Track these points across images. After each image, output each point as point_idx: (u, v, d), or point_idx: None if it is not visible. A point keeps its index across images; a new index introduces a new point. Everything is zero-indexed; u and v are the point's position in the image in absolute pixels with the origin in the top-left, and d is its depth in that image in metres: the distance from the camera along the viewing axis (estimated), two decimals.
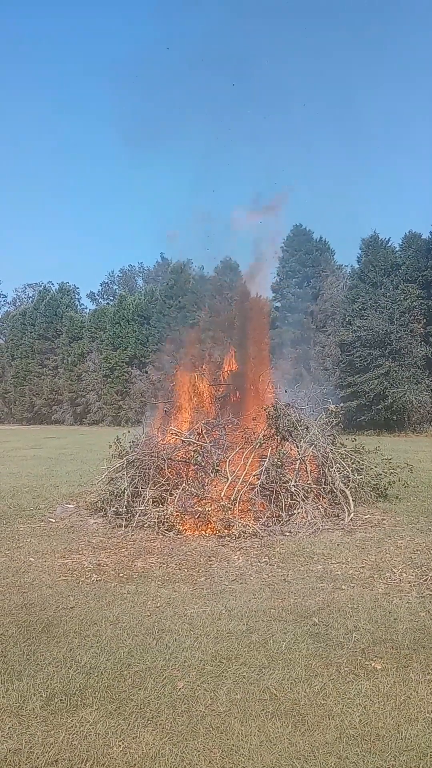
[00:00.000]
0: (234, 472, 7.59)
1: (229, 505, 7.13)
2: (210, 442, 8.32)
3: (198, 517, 7.19)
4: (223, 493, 7.22)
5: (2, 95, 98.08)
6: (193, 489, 7.42)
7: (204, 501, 7.25)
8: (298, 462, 8.03)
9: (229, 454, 8.04)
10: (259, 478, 7.64)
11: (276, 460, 7.71)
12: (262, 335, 10.40)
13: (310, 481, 7.98)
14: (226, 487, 7.28)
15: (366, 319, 29.13)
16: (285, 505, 7.50)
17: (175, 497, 7.44)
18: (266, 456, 7.96)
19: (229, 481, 7.37)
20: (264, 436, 8.18)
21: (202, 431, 8.52)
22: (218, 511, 7.10)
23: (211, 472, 7.69)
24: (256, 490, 7.53)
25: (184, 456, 8.21)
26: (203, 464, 7.82)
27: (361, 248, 33.00)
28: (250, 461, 7.77)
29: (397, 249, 32.15)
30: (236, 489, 7.38)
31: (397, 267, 30.92)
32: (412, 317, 29.07)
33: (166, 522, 7.14)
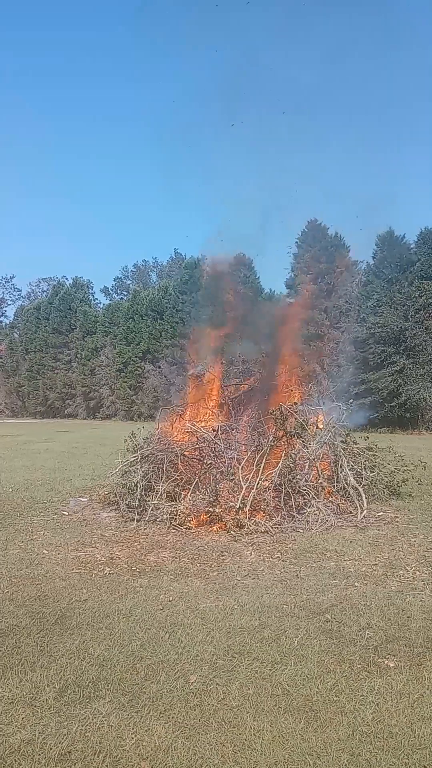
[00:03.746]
0: (248, 479, 7.52)
1: (240, 506, 7.11)
2: (224, 443, 8.29)
3: (210, 516, 7.18)
4: (239, 500, 7.17)
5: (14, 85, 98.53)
6: (205, 496, 7.36)
7: (215, 503, 7.22)
8: (308, 462, 8.00)
9: (241, 456, 8.00)
10: (270, 482, 7.59)
11: (287, 462, 7.64)
12: (293, 340, 10.31)
13: (321, 480, 7.95)
14: (242, 495, 7.24)
15: (380, 315, 28.94)
16: (296, 505, 7.47)
17: (187, 497, 7.46)
18: (278, 456, 7.91)
19: (243, 489, 7.33)
20: (274, 437, 8.12)
21: (217, 431, 8.50)
22: (230, 512, 7.08)
23: (226, 473, 7.66)
24: (268, 492, 7.49)
25: (197, 453, 8.22)
26: (216, 465, 7.80)
27: (377, 244, 32.76)
28: (263, 465, 7.70)
29: (412, 245, 31.87)
30: (247, 492, 7.33)
31: (413, 263, 30.62)
32: (427, 314, 28.81)
33: (177, 518, 7.15)
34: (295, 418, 8.29)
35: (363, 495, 7.84)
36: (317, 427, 8.62)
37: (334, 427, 8.81)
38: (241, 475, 7.57)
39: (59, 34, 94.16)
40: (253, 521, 7.04)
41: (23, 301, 67.12)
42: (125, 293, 63.97)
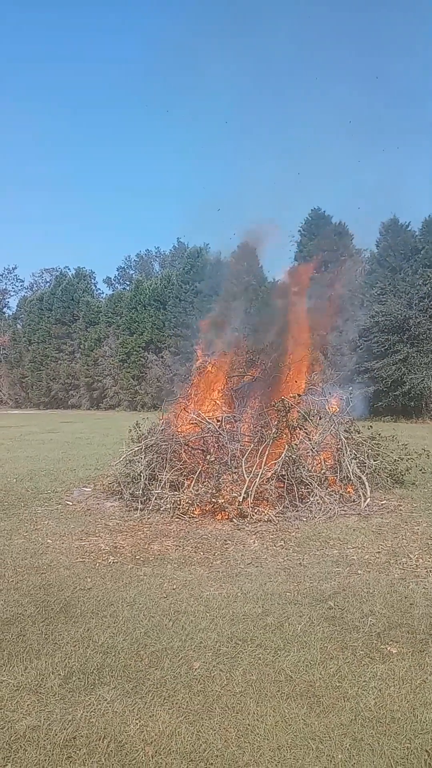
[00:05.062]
0: (251, 471, 7.52)
1: (245, 496, 7.13)
2: (227, 434, 8.29)
3: (213, 505, 7.20)
4: (243, 491, 7.18)
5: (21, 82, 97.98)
6: (208, 489, 7.37)
7: (218, 494, 7.24)
8: (311, 453, 8.00)
9: (245, 447, 8.01)
10: (274, 472, 7.60)
11: (290, 454, 7.64)
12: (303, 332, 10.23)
13: (324, 471, 7.95)
14: (245, 486, 7.25)
15: (384, 304, 28.82)
16: (300, 495, 7.47)
17: (191, 487, 7.48)
18: (281, 447, 7.91)
19: (246, 481, 7.34)
20: (277, 428, 8.10)
21: (221, 422, 8.50)
22: (232, 502, 7.09)
23: (229, 465, 7.67)
24: (271, 482, 7.50)
25: (201, 443, 8.23)
26: (219, 457, 7.81)
27: (380, 232, 32.57)
28: (266, 456, 7.70)
29: (417, 233, 31.67)
30: (250, 483, 7.34)
31: (417, 251, 30.44)
32: None
33: (181, 507, 7.18)
34: (298, 411, 8.28)
35: (366, 483, 7.85)
36: (320, 418, 8.61)
37: (337, 416, 8.81)
38: (244, 466, 7.58)
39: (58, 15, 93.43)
40: (256, 510, 7.06)
41: (26, 292, 67.02)
42: (128, 283, 63.86)
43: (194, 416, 8.76)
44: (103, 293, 57.63)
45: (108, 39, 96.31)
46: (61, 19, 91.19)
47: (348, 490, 7.86)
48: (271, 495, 7.36)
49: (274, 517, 6.93)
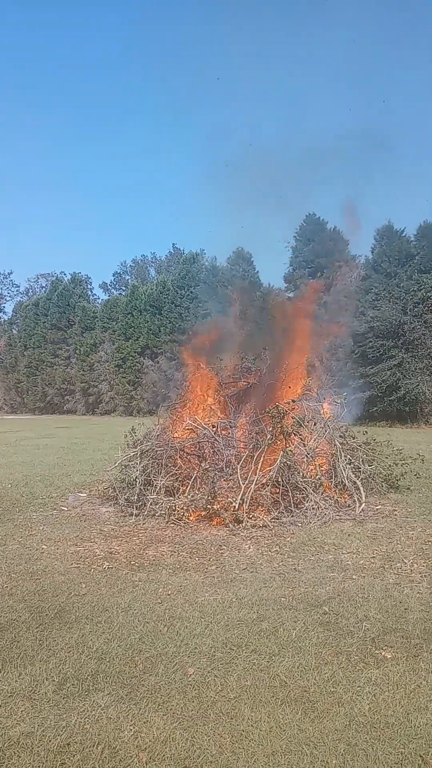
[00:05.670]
0: (246, 477, 7.52)
1: (241, 501, 7.13)
2: (222, 440, 8.29)
3: (208, 512, 7.20)
4: (239, 496, 7.18)
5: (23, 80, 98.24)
6: (203, 495, 7.36)
7: (214, 499, 7.23)
8: (306, 458, 8.01)
9: (240, 453, 8.01)
10: (269, 478, 7.60)
11: (285, 460, 7.64)
12: (300, 338, 10.20)
13: (319, 476, 7.96)
14: (241, 493, 7.25)
15: (379, 309, 28.91)
16: (295, 500, 7.48)
17: (186, 492, 7.48)
18: (276, 452, 7.91)
19: (242, 488, 7.34)
20: (272, 435, 8.10)
21: (217, 428, 8.51)
22: (228, 507, 7.09)
23: (224, 471, 7.67)
24: (266, 488, 7.50)
25: (196, 449, 8.23)
26: (214, 462, 7.82)
27: (375, 238, 32.69)
28: (261, 462, 7.71)
29: (411, 239, 31.81)
30: (246, 488, 7.34)
31: (412, 257, 30.57)
32: (426, 308, 28.78)
33: (176, 512, 7.17)
34: (293, 417, 8.29)
35: (361, 489, 7.86)
36: (314, 423, 8.62)
37: (332, 421, 8.83)
38: (239, 473, 7.58)
39: (63, 17, 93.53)
40: (251, 516, 7.06)
41: (21, 297, 67.01)
42: (124, 288, 63.90)
43: (190, 422, 8.76)
44: (99, 298, 57.64)
45: (108, 39, 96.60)
46: (61, 19, 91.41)
47: (343, 495, 7.88)
48: (267, 500, 7.36)
49: (269, 523, 6.93)
